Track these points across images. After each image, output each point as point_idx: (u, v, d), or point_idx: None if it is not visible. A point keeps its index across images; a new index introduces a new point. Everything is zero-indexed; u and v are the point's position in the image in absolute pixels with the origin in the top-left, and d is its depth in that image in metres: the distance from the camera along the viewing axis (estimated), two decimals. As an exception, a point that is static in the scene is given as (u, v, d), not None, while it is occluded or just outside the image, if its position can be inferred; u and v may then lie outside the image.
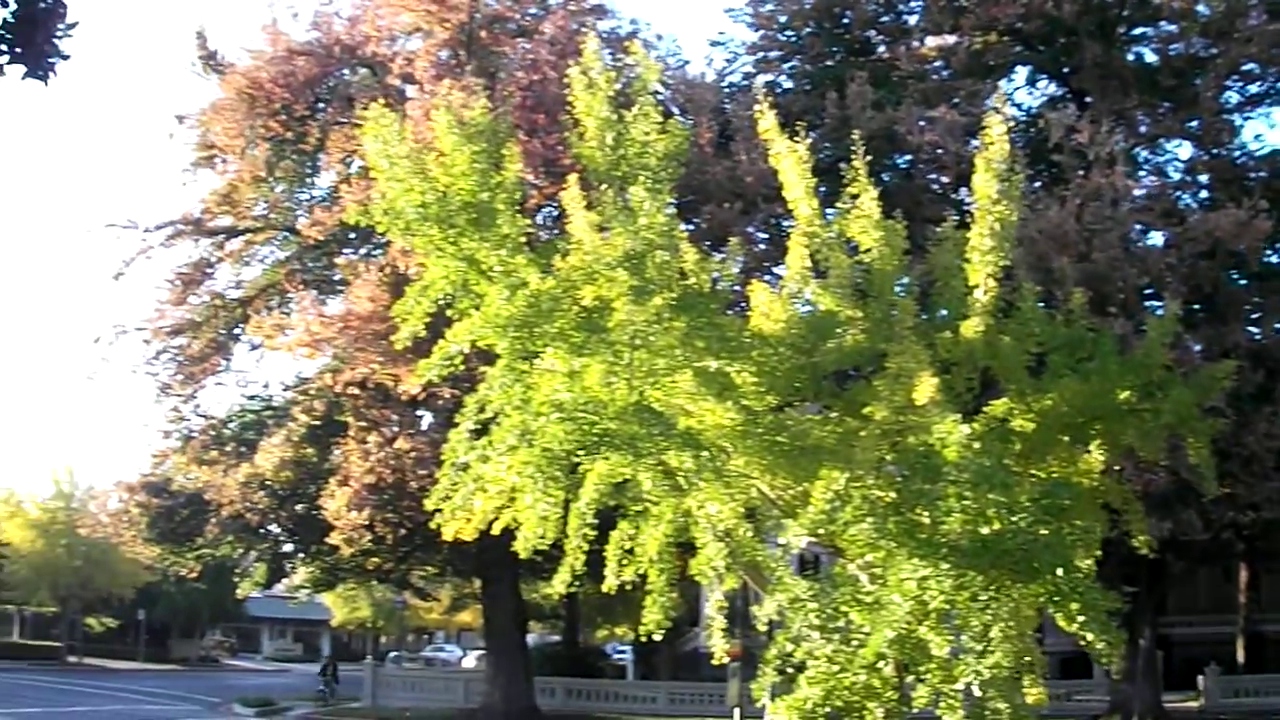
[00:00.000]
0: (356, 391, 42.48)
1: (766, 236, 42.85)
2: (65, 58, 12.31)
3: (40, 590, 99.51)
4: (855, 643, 17.17)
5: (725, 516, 18.22)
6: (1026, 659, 17.68)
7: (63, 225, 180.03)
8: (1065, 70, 45.74)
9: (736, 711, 36.93)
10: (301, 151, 48.18)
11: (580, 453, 17.97)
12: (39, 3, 12.01)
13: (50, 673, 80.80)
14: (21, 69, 12.23)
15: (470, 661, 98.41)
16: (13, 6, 11.96)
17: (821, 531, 18.11)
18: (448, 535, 20.49)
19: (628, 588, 20.23)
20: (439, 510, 19.90)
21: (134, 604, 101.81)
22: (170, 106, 76.17)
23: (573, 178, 21.17)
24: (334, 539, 43.54)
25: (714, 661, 21.41)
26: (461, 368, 19.37)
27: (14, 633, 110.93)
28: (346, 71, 48.03)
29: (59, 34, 12.15)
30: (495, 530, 19.92)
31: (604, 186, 19.68)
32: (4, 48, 12.06)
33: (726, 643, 20.23)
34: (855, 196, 21.12)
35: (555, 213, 38.28)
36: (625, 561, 19.72)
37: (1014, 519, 16.80)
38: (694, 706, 56.17)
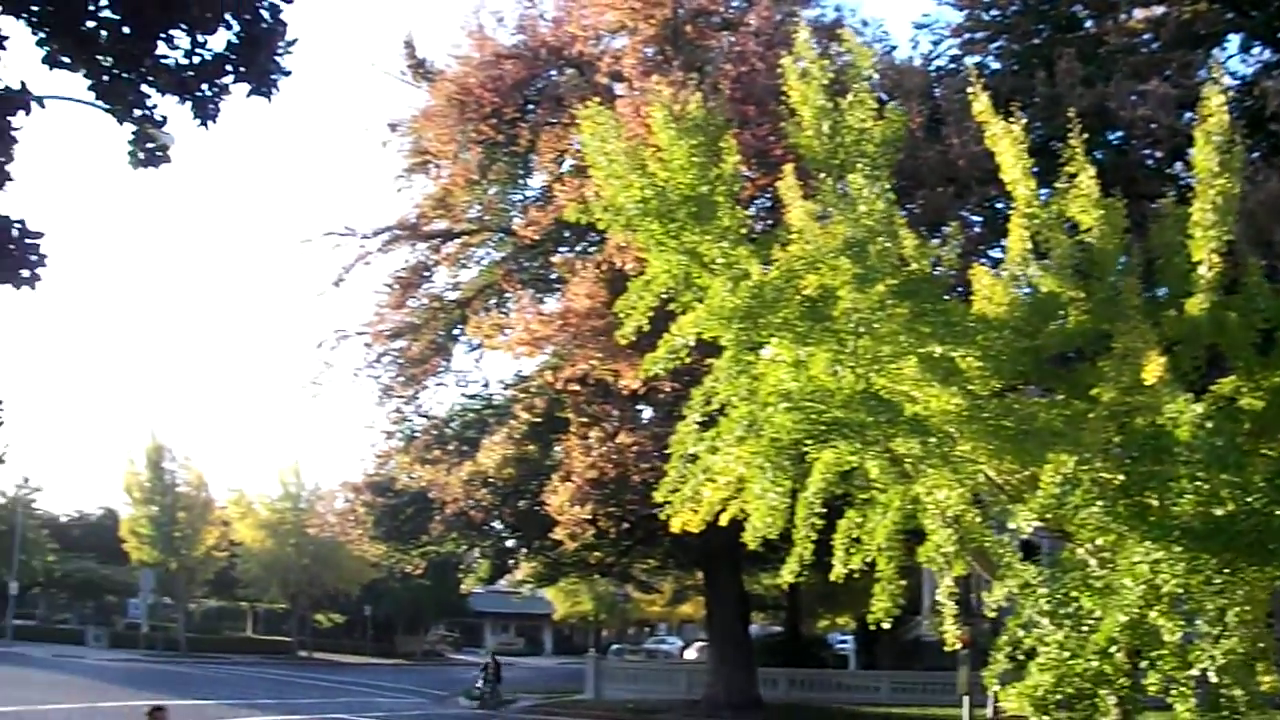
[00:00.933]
0: (577, 387, 42.75)
1: (981, 219, 42.30)
2: (286, 74, 12.70)
3: (271, 587, 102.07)
4: (1086, 628, 16.88)
5: (953, 502, 18.08)
6: (1261, 644, 17.19)
7: (282, 235, 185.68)
8: (1280, 35, 44.38)
9: (966, 699, 36.59)
10: (513, 153, 48.65)
11: (808, 442, 17.99)
12: (261, 23, 12.39)
13: (281, 667, 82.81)
14: (246, 86, 12.65)
15: (692, 653, 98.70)
16: (236, 28, 12.36)
17: (1049, 516, 17.81)
18: (675, 527, 20.63)
19: (855, 575, 20.17)
20: (665, 503, 20.06)
21: (360, 600, 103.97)
22: (373, 115, 77.33)
23: (788, 167, 21.18)
24: (557, 534, 43.95)
25: (945, 648, 21.24)
26: (686, 360, 19.43)
27: (247, 628, 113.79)
28: (554, 72, 48.34)
29: (280, 51, 12.53)
30: (723, 521, 20.02)
31: (822, 175, 19.65)
32: (229, 67, 12.48)
33: (956, 629, 20.00)
34: (1073, 176, 20.74)
35: (768, 204, 38.34)
36: (853, 550, 19.67)
37: (1248, 500, 16.39)
38: (918, 695, 55.73)
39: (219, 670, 74.16)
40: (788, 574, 20.11)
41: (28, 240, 11.70)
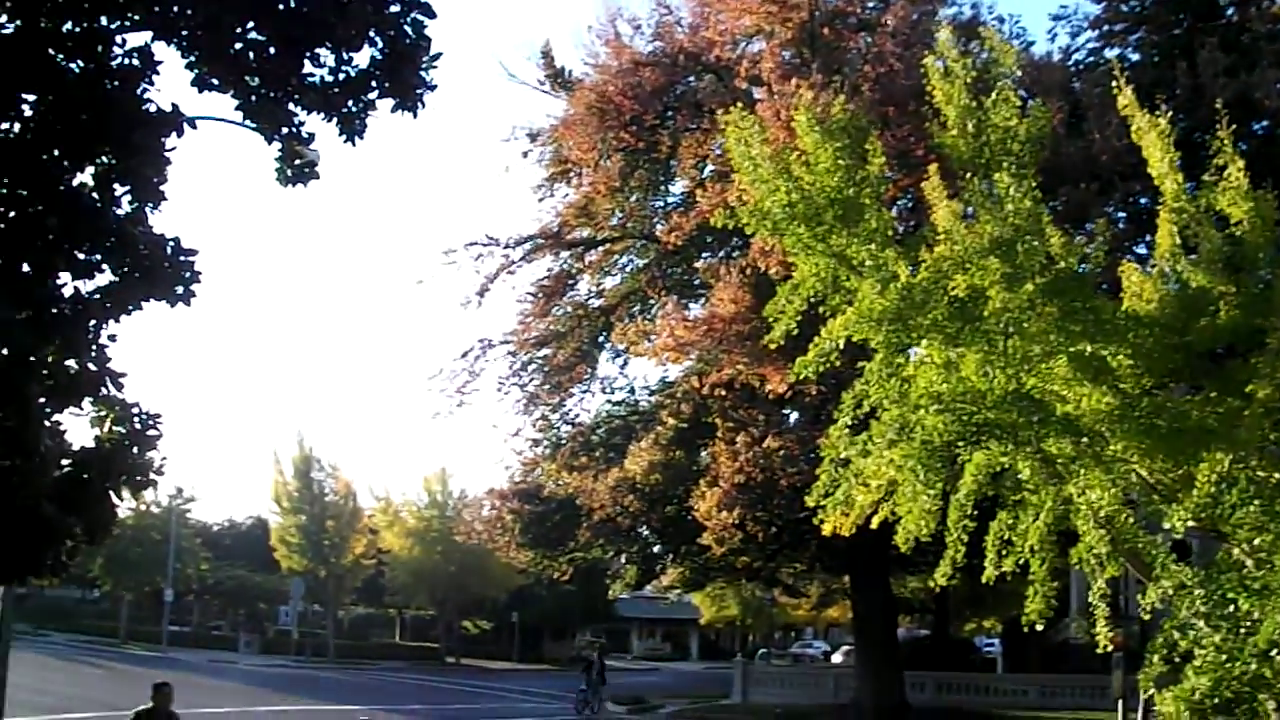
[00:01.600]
0: (723, 392, 42.79)
1: (1125, 216, 41.80)
2: (432, 88, 12.90)
3: (419, 595, 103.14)
4: (1244, 631, 16.56)
5: (1105, 503, 17.87)
6: None
7: (425, 247, 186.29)
8: None
9: (1120, 703, 36.10)
10: (654, 160, 48.83)
11: (959, 444, 17.93)
12: (405, 39, 12.59)
13: (428, 673, 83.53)
14: (391, 102, 12.87)
15: (839, 657, 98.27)
16: (380, 44, 12.57)
17: (1204, 516, 17.53)
18: (826, 531, 20.62)
19: (1008, 578, 20.05)
20: (815, 507, 20.06)
21: (507, 606, 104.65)
22: (510, 125, 77.63)
23: (933, 168, 21.11)
24: (704, 539, 44.03)
25: (1098, 651, 20.98)
26: (837, 363, 19.44)
27: (395, 635, 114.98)
28: (692, 78, 48.49)
29: (424, 66, 12.72)
30: (874, 524, 19.99)
31: (967, 174, 19.58)
32: (374, 83, 12.71)
33: (1109, 632, 19.75)
34: (1221, 168, 20.38)
35: (910, 205, 38.18)
36: (1004, 552, 19.55)
37: None
38: (1067, 699, 54.93)
39: (367, 676, 75.12)
40: (940, 576, 20.03)
41: (182, 258, 11.98)
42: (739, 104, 24.26)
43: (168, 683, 19.93)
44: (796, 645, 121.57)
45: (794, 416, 45.85)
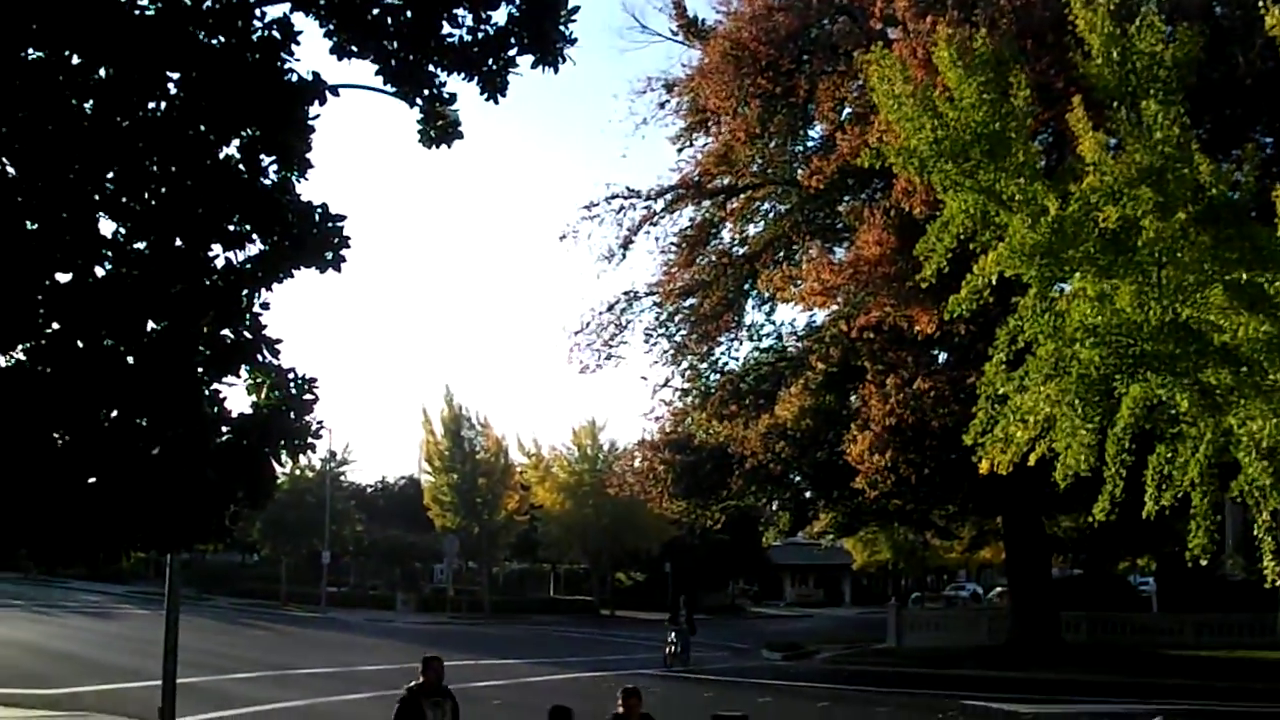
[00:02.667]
0: (871, 335, 42.53)
1: (1271, 140, 40.92)
2: (572, 42, 12.85)
3: (572, 548, 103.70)
4: None
5: (1267, 433, 17.60)
6: None
7: (561, 202, 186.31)
8: None
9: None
10: (792, 105, 48.49)
11: (1115, 377, 17.76)
12: (544, -8, 12.56)
13: (584, 626, 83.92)
14: (531, 58, 12.86)
15: (992, 598, 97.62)
16: (518, 1, 12.56)
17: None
18: (984, 469, 20.51)
19: (1167, 513, 19.79)
20: (971, 447, 19.96)
21: (660, 558, 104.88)
22: (634, 76, 77.43)
23: (1077, 99, 20.79)
24: (856, 483, 43.91)
25: (1266, 585, 20.64)
26: (989, 300, 19.28)
27: (549, 589, 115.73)
28: (826, 21, 48.03)
29: (563, 20, 12.69)
30: (1031, 461, 19.84)
31: (1113, 104, 19.28)
32: (513, 40, 12.71)
33: (1277, 567, 19.41)
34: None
35: (1050, 138, 37.61)
36: (1164, 486, 19.31)
37: None
38: (1224, 637, 54.12)
39: (523, 630, 75.68)
40: (1098, 512, 19.82)
41: (330, 225, 12.08)
42: (876, 44, 24.07)
43: (438, 656, 19.85)
44: (949, 588, 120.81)
45: (943, 357, 45.50)
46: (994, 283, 18.75)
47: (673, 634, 53.00)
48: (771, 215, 53.80)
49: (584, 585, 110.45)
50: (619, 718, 18.51)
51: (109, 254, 11.44)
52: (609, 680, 44.08)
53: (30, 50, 10.90)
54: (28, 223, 10.88)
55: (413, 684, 19.42)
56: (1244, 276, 17.72)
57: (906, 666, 50.50)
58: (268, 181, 12.02)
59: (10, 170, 10.86)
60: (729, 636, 74.12)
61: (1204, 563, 19.53)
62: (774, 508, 64.56)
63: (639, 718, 18.34)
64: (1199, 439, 18.54)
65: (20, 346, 11.03)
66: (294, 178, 12.13)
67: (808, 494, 58.53)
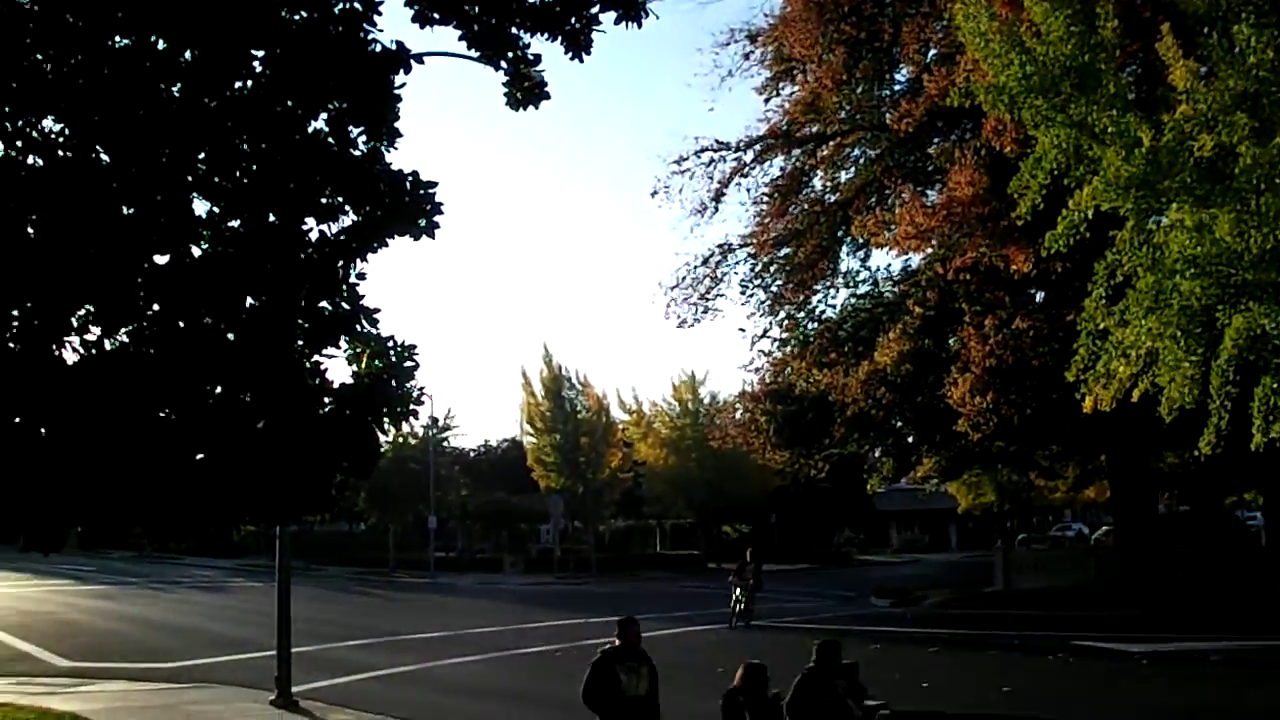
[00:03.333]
0: (967, 276, 42.22)
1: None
2: (655, -5, 12.83)
3: (676, 503, 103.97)
4: None
5: (1377, 358, 17.34)
6: None
7: (643, 154, 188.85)
8: None
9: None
10: (876, 49, 48.12)
11: (1218, 307, 17.52)
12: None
13: (691, 579, 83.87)
14: (613, 14, 12.83)
15: (1098, 536, 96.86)
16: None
17: None
18: (1087, 407, 20.35)
19: (1278, 445, 19.49)
20: (1074, 384, 19.80)
21: (765, 508, 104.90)
22: (710, 31, 77.09)
23: (1165, 27, 20.47)
24: (959, 426, 43.69)
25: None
26: (1086, 235, 19.06)
27: (655, 545, 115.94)
28: (909, -39, 47.63)
29: (647, -24, 12.65)
30: (1134, 396, 19.63)
31: (1204, 30, 18.98)
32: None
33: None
34: None
35: (1138, 69, 37.06)
36: (1272, 418, 19.01)
37: None
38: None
39: (631, 587, 75.86)
40: (1204, 446, 19.57)
41: (422, 191, 12.14)
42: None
43: (634, 618, 19.57)
44: (1056, 528, 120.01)
45: (1040, 295, 45.13)
46: (1090, 217, 18.54)
47: (737, 590, 48.78)
48: (862, 161, 53.48)
49: (690, 539, 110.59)
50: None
51: (204, 233, 11.58)
52: (718, 633, 44.28)
53: (117, 38, 11.01)
54: (123, 207, 11.01)
55: (607, 646, 18.75)
56: (1346, 200, 17.41)
57: (1014, 609, 50.20)
58: (357, 153, 12.11)
59: (104, 157, 10.99)
60: (836, 585, 74.10)
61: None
62: (877, 454, 64.45)
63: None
64: (1307, 368, 18.27)
65: (123, 329, 11.18)
66: (383, 147, 12.21)
67: (910, 439, 58.27)
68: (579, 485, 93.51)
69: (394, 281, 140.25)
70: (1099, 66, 18.33)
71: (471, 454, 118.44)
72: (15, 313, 10.85)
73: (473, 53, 12.77)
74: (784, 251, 53.15)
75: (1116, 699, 28.78)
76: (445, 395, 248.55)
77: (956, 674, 33.98)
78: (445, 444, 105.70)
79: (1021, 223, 20.43)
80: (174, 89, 11.27)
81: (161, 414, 11.42)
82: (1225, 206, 17.42)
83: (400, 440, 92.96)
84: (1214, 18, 18.58)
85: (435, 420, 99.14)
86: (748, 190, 54.14)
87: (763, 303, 54.50)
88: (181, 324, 11.37)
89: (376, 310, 12.07)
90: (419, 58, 12.24)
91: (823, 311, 55.73)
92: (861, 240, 50.59)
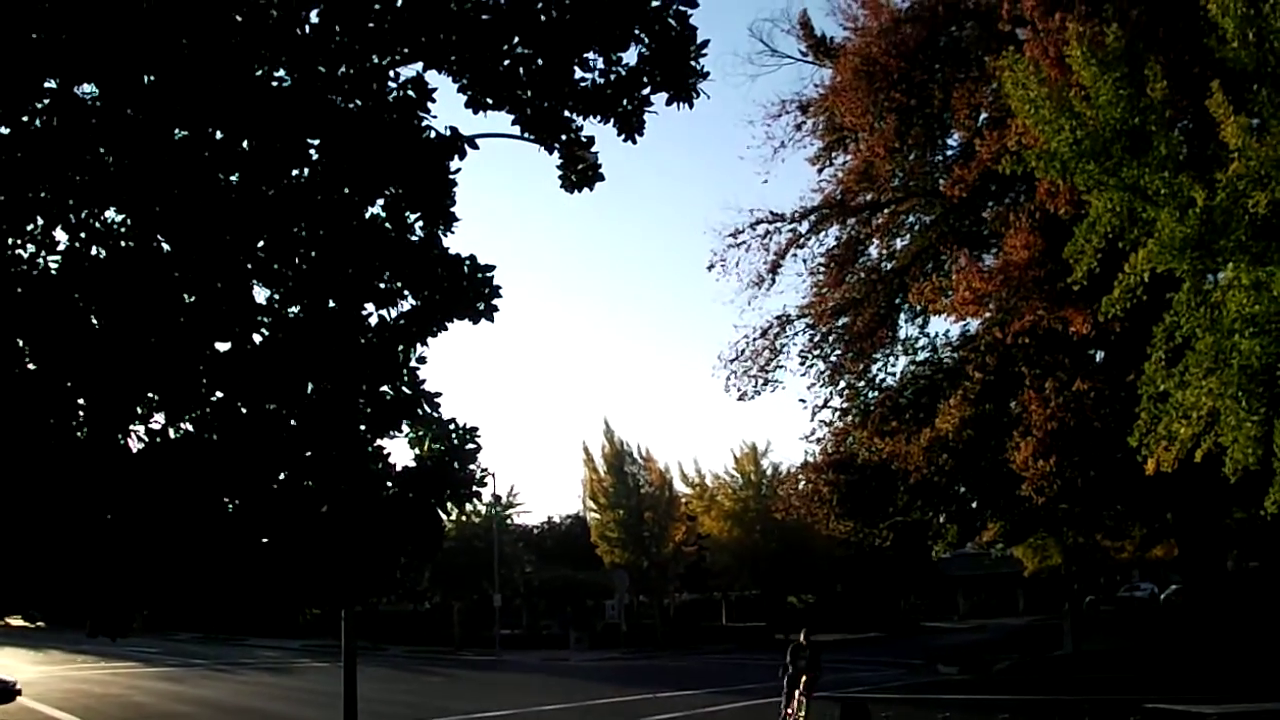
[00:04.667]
0: (1026, 340, 42.16)
1: None
2: (705, 76, 12.92)
3: (741, 575, 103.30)
4: None
5: None
6: None
7: (694, 227, 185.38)
8: None
9: None
10: (927, 115, 48.25)
11: (1278, 365, 17.43)
12: (670, 31, 12.63)
13: (759, 651, 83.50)
14: (664, 95, 12.95)
15: (1168, 595, 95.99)
16: (647, 39, 12.65)
17: None
18: (1149, 469, 20.25)
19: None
20: (1138, 446, 19.71)
21: (830, 578, 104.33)
22: (764, 99, 77.50)
23: (1215, 84, 20.45)
24: (1022, 490, 43.45)
25: None
26: (1143, 297, 19.02)
27: (721, 617, 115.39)
28: (954, 27, 47.80)
29: (694, 55, 12.76)
30: (1197, 457, 19.52)
31: (1254, 86, 18.95)
32: (645, 79, 12.80)
33: None
34: None
35: (1190, 126, 37.02)
36: (1335, 473, 18.86)
37: None
38: None
39: (697, 661, 75.54)
40: (1270, 505, 19.42)
41: (480, 275, 12.25)
42: (1008, 47, 23.89)
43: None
44: (1124, 588, 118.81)
45: (1100, 356, 44.96)
46: (1146, 280, 18.52)
47: (787, 672, 36.43)
48: (917, 227, 53.56)
49: (755, 611, 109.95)
50: None
51: (265, 320, 11.71)
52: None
53: (177, 130, 11.20)
54: (184, 296, 11.16)
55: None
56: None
57: (1084, 672, 49.79)
58: (414, 238, 12.23)
59: (165, 246, 11.16)
60: (903, 652, 73.58)
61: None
62: (941, 520, 64.08)
63: None
64: (1369, 423, 18.12)
65: (186, 416, 11.31)
66: (440, 231, 12.33)
67: (973, 504, 57.97)
68: (643, 559, 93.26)
69: (455, 365, 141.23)
70: (1150, 128, 18.37)
71: (535, 531, 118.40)
72: (81, 401, 11.00)
73: (526, 135, 12.91)
74: (842, 321, 53.20)
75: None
76: (508, 473, 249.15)
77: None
78: (509, 521, 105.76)
79: (1078, 287, 20.41)
80: (232, 178, 11.44)
81: (226, 499, 11.53)
82: (1282, 264, 17.38)
83: (464, 519, 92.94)
84: (1263, 74, 18.56)
85: (498, 498, 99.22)
86: (804, 261, 54.42)
87: (822, 373, 54.52)
88: (244, 410, 11.50)
89: (438, 394, 12.18)
90: (473, 142, 12.37)
91: (883, 380, 55.71)
92: (919, 307, 50.61)
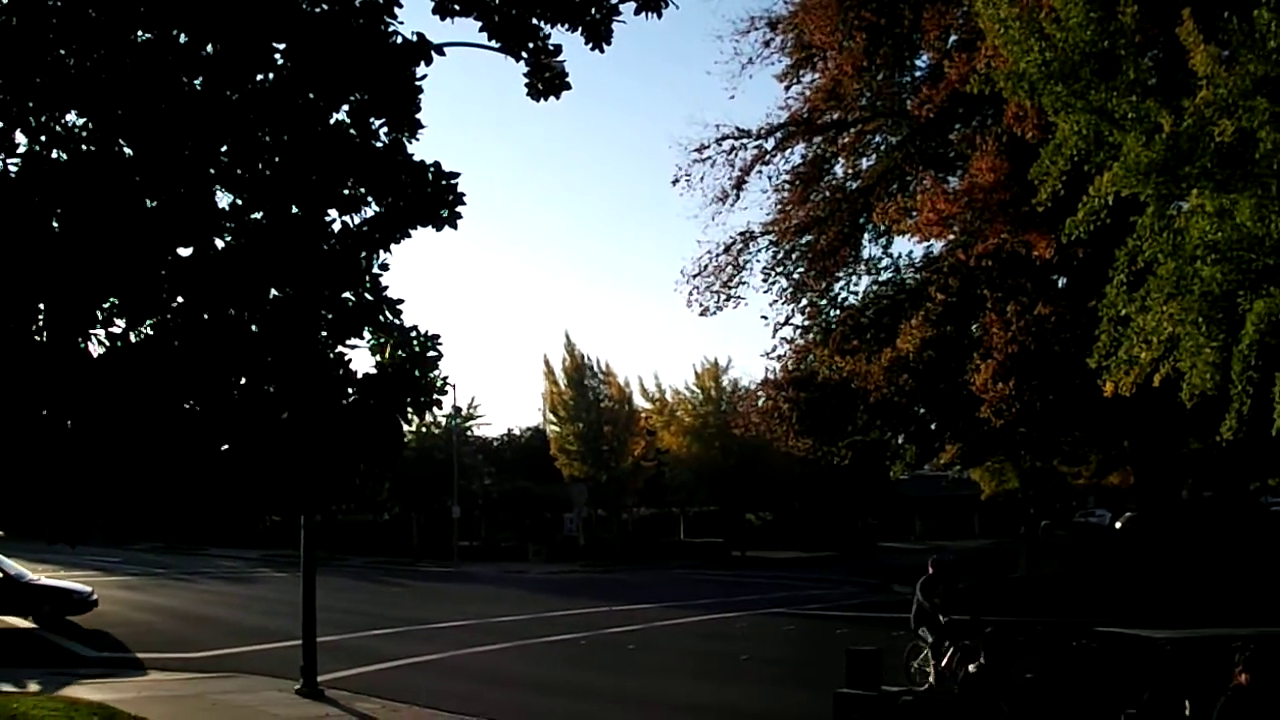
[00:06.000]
0: (989, 263, 42.25)
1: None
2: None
3: (700, 491, 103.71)
4: None
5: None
6: None
7: (660, 142, 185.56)
8: None
9: None
10: (897, 35, 48.04)
11: (1239, 293, 17.50)
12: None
13: (715, 567, 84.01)
14: (633, 4, 12.90)
15: (1120, 523, 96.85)
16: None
17: None
18: (1108, 392, 20.37)
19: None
20: (1096, 371, 19.81)
21: (788, 495, 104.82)
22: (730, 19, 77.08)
23: (1186, 11, 20.41)
24: (981, 412, 43.64)
25: None
26: (1107, 221, 19.04)
27: (679, 533, 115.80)
28: (929, -53, 47.56)
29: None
30: (1155, 382, 19.63)
31: (1225, 14, 18.91)
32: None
33: None
34: None
35: (1160, 54, 36.98)
36: (1294, 403, 18.97)
37: None
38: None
39: (654, 576, 75.82)
40: (1226, 431, 19.55)
41: (444, 182, 12.21)
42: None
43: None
44: (1079, 514, 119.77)
45: (1063, 281, 45.10)
46: (1111, 203, 18.54)
47: (924, 618, 28.12)
48: (883, 148, 53.45)
49: (713, 527, 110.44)
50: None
51: (228, 225, 11.65)
52: (742, 620, 44.33)
53: (139, 32, 11.08)
54: (146, 201, 11.08)
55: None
56: (1368, 184, 17.36)
57: (1038, 595, 50.23)
58: (379, 144, 12.18)
59: (127, 150, 11.06)
60: (859, 572, 74.13)
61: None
62: (900, 441, 64.32)
63: None
64: (1328, 352, 18.24)
65: (148, 322, 11.26)
66: (405, 139, 12.28)
67: (932, 426, 58.18)
68: (602, 474, 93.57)
69: (417, 272, 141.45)
70: (1119, 52, 18.32)
71: (495, 443, 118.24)
72: (41, 306, 10.94)
73: (494, 43, 12.84)
74: (806, 239, 53.19)
75: (1129, 682, 28.79)
76: (469, 385, 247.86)
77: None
78: (469, 433, 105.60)
79: (1042, 209, 20.43)
80: (196, 82, 11.34)
81: (186, 405, 11.51)
82: (1246, 192, 17.40)
83: (424, 430, 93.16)
84: (1235, 2, 18.52)
85: (459, 410, 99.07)
86: (769, 178, 54.35)
87: (785, 290, 54.57)
88: (206, 316, 11.46)
89: (400, 301, 12.16)
90: (440, 49, 12.30)
91: (845, 299, 55.79)
92: (883, 227, 50.57)
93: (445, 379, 12.47)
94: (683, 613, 46.43)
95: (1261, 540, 60.26)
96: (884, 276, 56.19)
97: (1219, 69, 18.54)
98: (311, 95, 11.79)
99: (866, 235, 54.37)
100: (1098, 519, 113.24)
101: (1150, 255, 18.27)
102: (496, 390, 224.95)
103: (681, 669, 32.58)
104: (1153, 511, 53.83)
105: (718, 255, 54.09)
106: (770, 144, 53.07)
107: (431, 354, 12.28)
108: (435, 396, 12.40)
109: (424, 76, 12.17)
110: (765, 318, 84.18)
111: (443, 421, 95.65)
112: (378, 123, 12.15)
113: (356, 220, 12.14)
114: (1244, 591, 44.21)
